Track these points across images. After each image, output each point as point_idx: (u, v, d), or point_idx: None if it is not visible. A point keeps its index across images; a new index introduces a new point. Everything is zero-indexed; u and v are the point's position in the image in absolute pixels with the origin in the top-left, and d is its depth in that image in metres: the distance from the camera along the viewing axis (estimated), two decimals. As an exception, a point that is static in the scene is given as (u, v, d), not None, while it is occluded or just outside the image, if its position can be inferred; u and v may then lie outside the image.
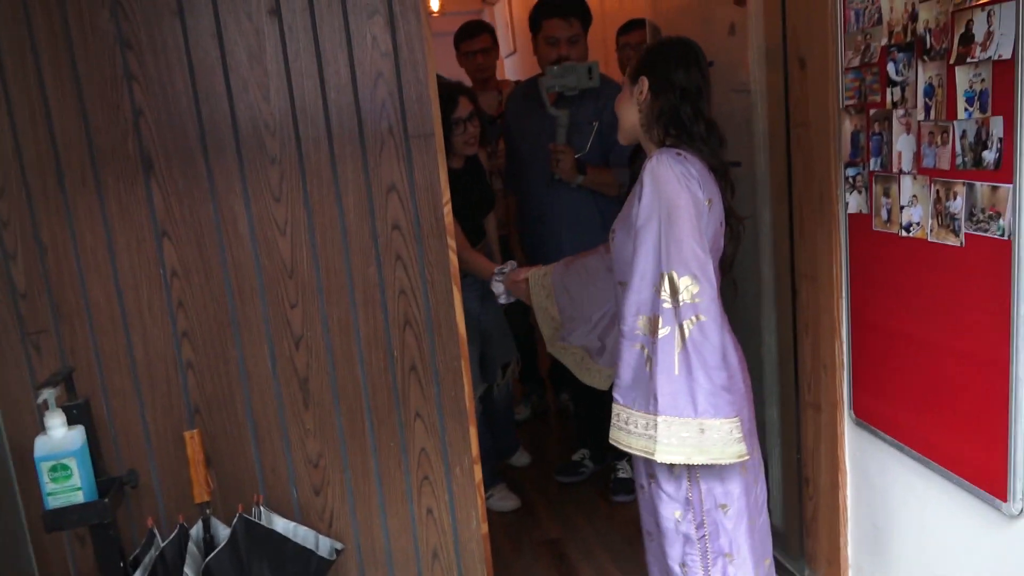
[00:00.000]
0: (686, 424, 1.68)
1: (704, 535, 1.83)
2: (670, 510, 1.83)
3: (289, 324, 1.89)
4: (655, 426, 1.69)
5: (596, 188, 2.92)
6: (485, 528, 2.05)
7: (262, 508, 1.86)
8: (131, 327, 1.84)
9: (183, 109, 1.80)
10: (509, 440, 3.35)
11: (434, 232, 1.92)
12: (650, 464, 1.83)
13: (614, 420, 1.80)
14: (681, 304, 1.68)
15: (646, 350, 1.74)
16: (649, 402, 1.71)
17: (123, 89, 1.77)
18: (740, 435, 1.70)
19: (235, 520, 1.76)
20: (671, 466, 1.77)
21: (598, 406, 3.22)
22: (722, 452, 1.69)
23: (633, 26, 3.31)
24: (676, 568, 1.86)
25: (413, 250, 1.91)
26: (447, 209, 1.92)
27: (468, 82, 3.69)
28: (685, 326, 1.68)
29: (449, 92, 2.74)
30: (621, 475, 3.11)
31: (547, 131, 2.90)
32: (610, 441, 1.81)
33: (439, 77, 2.00)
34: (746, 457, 1.72)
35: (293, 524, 1.87)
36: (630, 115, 1.90)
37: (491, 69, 3.69)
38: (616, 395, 1.81)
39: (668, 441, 1.68)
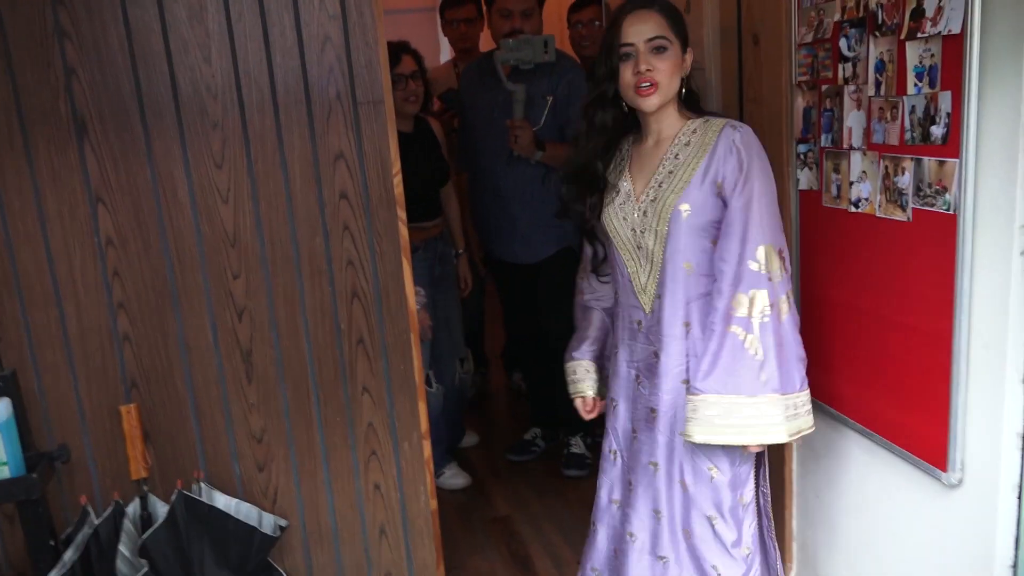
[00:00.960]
0: (798, 397, 1.68)
1: (768, 507, 1.89)
2: (738, 492, 1.77)
3: (232, 295, 1.83)
4: (785, 405, 1.65)
5: (553, 164, 2.89)
6: (434, 504, 2.03)
7: (203, 484, 1.81)
8: (63, 297, 1.76)
9: (119, 69, 1.71)
10: (459, 428, 3.33)
11: (383, 202, 1.87)
12: (713, 452, 1.72)
13: (706, 412, 1.64)
14: (781, 279, 1.67)
15: (747, 334, 1.65)
16: (770, 383, 1.64)
17: (54, 46, 1.68)
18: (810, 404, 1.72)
19: (174, 497, 1.71)
20: (742, 448, 1.70)
21: (551, 385, 3.23)
22: (807, 420, 1.70)
23: (586, 4, 3.28)
24: (738, 548, 1.78)
25: (361, 220, 1.87)
26: (397, 179, 1.87)
27: (451, 53, 3.60)
28: (783, 301, 1.67)
29: (394, 49, 2.68)
30: (574, 450, 3.12)
31: (501, 106, 2.87)
32: (720, 441, 1.65)
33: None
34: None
35: (235, 501, 1.82)
36: (675, 87, 1.77)
37: (474, 39, 3.59)
38: (706, 385, 1.66)
39: (787, 415, 1.65)
